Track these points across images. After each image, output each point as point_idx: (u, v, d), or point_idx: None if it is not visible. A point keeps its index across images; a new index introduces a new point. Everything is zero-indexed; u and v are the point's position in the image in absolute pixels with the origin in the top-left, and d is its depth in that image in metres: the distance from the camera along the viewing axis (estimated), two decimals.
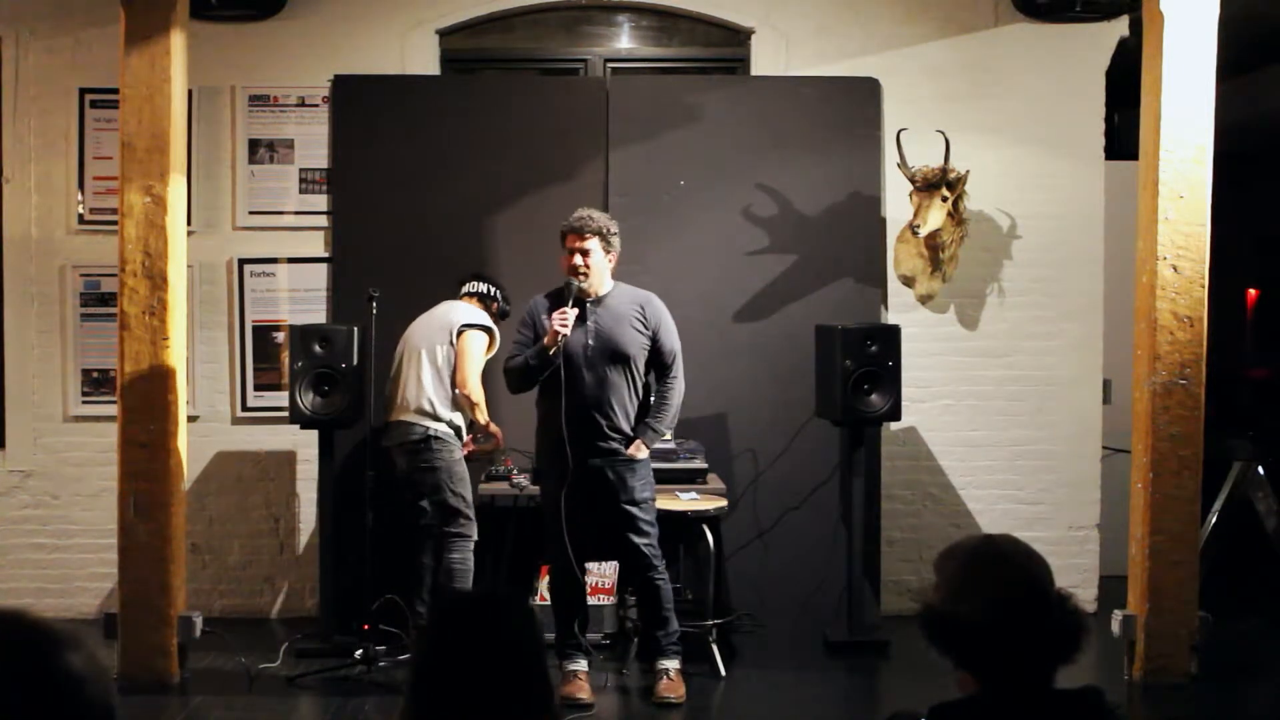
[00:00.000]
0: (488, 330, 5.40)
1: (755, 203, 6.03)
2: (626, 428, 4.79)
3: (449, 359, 5.31)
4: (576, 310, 4.71)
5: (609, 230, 4.80)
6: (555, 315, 4.66)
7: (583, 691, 4.77)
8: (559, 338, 4.63)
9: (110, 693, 1.42)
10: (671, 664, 4.87)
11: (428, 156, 6.00)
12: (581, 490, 4.75)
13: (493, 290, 5.55)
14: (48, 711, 1.36)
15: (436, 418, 5.28)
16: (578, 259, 4.74)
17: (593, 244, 4.75)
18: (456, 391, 5.30)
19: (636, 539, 4.79)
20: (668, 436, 5.25)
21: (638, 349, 4.80)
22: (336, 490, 5.57)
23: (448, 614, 1.97)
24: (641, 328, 4.82)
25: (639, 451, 4.80)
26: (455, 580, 5.23)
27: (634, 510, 4.78)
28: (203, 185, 5.99)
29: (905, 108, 6.05)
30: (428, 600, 5.36)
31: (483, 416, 5.37)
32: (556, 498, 4.74)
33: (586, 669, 4.88)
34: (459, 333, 5.32)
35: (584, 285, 4.75)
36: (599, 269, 4.78)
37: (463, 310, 5.42)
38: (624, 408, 4.78)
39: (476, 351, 5.34)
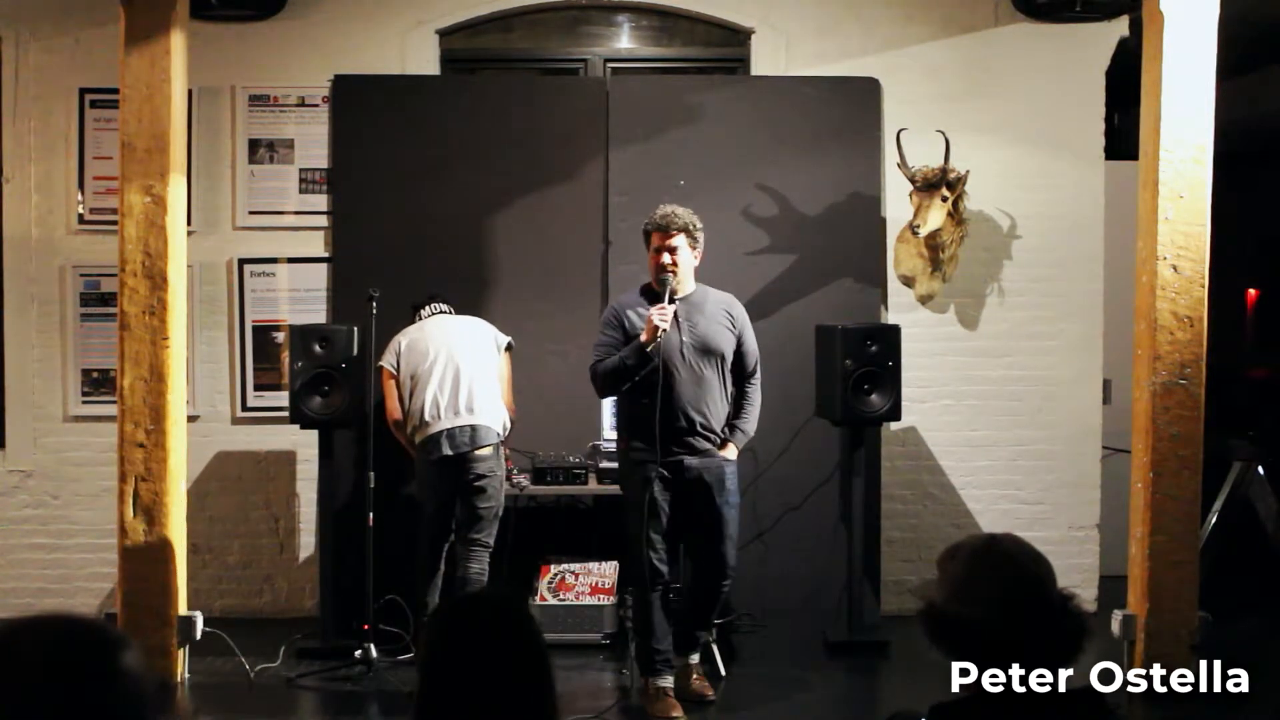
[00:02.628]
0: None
1: (755, 203, 6.03)
2: (719, 428, 4.72)
3: (500, 373, 5.30)
4: (675, 307, 4.62)
5: (694, 226, 4.69)
6: (654, 310, 4.53)
7: (676, 710, 4.65)
8: (659, 333, 4.51)
9: (156, 687, 1.53)
10: (697, 660, 4.92)
11: (428, 156, 6.00)
12: (677, 490, 4.66)
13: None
14: (116, 706, 1.47)
15: (505, 426, 5.22)
16: (666, 257, 4.63)
17: (680, 241, 4.65)
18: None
19: (724, 545, 4.73)
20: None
21: (729, 348, 4.74)
22: (336, 490, 5.57)
23: (451, 616, 1.97)
24: (731, 327, 4.77)
25: (730, 453, 4.76)
26: (472, 589, 5.14)
27: (729, 513, 4.73)
28: (203, 185, 6.00)
29: (905, 108, 6.05)
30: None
31: None
32: (649, 499, 4.60)
33: (673, 684, 4.76)
34: (505, 349, 5.33)
35: (674, 283, 4.65)
36: (686, 265, 4.70)
37: (488, 326, 5.38)
38: (718, 407, 4.71)
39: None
